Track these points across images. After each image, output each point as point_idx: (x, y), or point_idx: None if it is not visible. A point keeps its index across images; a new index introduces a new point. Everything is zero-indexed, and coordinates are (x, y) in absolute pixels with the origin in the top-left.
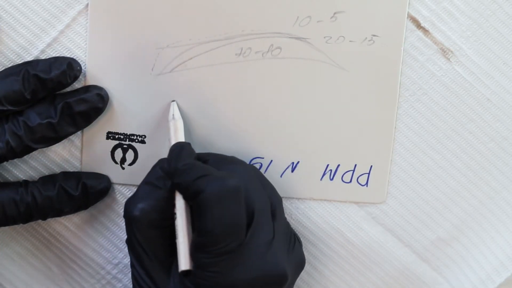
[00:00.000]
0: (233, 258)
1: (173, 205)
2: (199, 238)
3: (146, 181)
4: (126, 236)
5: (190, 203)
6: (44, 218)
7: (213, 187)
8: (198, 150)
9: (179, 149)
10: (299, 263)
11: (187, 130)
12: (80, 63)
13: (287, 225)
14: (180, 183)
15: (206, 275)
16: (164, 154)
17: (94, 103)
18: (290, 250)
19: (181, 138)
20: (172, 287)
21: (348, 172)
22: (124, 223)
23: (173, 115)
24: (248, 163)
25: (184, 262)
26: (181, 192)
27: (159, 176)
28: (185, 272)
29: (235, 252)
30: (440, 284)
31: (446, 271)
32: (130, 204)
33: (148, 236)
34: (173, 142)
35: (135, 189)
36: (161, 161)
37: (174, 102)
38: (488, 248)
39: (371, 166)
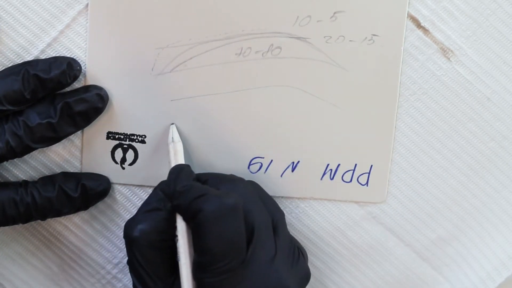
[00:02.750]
0: (235, 276)
1: (174, 227)
2: (199, 257)
3: (147, 203)
4: None
5: (189, 224)
6: (43, 218)
7: (211, 205)
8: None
9: (178, 171)
10: (304, 277)
11: (186, 151)
12: (80, 63)
13: (291, 239)
14: (179, 204)
15: None
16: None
17: (94, 103)
18: (294, 265)
19: (181, 161)
20: None
21: (348, 172)
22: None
23: (172, 138)
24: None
25: (186, 284)
26: (181, 214)
27: (159, 198)
28: None
29: (237, 270)
30: (441, 284)
31: (447, 271)
32: (130, 225)
33: (148, 257)
34: (172, 164)
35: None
36: (161, 183)
37: (173, 125)
38: (488, 247)
39: (371, 165)
